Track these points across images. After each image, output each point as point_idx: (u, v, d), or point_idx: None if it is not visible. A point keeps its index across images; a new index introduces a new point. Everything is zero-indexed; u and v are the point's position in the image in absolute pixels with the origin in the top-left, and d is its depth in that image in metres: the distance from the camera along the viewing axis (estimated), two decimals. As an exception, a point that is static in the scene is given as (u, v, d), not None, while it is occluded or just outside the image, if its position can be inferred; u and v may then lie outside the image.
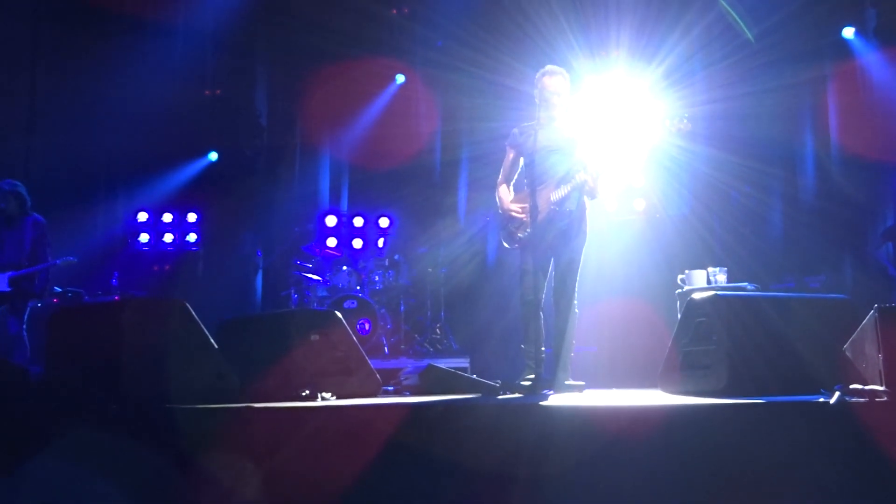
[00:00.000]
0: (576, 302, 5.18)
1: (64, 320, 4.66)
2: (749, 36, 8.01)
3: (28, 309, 7.07)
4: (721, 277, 6.67)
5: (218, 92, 10.75)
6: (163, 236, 10.50)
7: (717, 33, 8.22)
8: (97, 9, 9.31)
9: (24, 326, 7.00)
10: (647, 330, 6.84)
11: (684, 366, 4.37)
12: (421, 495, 3.41)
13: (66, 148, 9.46)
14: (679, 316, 5.07)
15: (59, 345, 4.47)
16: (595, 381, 5.68)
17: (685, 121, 5.21)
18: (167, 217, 10.54)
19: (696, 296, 4.51)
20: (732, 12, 7.85)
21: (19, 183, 7.20)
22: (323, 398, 4.46)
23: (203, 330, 4.39)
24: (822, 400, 3.35)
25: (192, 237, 10.53)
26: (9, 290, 6.91)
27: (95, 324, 4.48)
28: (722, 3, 7.86)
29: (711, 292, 4.48)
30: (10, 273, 6.92)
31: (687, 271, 6.80)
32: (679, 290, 6.76)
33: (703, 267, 6.83)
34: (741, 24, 7.91)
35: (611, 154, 5.40)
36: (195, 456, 3.59)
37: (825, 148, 8.69)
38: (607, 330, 7.31)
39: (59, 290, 8.42)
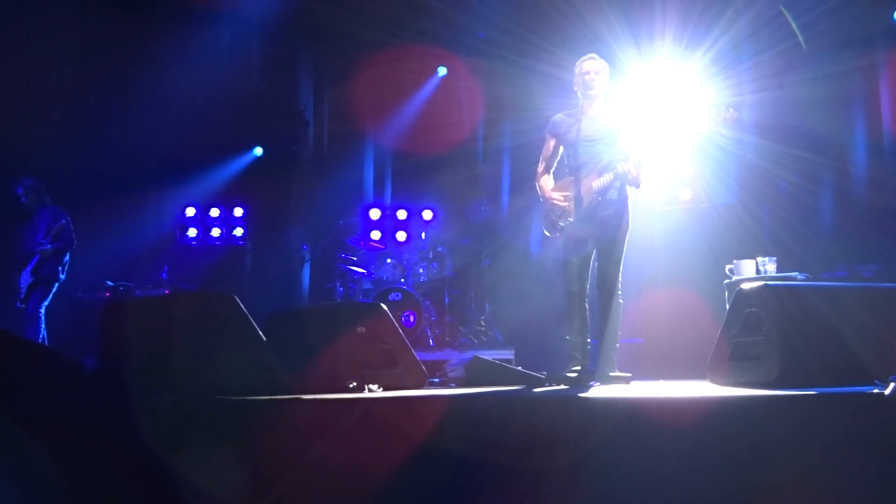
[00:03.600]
0: (619, 292, 5.14)
1: (117, 314, 4.76)
2: (802, 41, 7.83)
3: (51, 294, 7.33)
4: (770, 267, 6.58)
5: (263, 87, 10.85)
6: (210, 231, 10.66)
7: (764, 21, 8.05)
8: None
9: (42, 311, 7.29)
10: (694, 321, 6.77)
11: (734, 357, 4.32)
12: (467, 486, 3.42)
13: (115, 142, 9.63)
14: (727, 306, 5.00)
15: (112, 338, 4.56)
16: (641, 373, 5.63)
17: (731, 110, 5.13)
18: (214, 212, 10.68)
19: (745, 286, 4.45)
20: (793, 22, 7.67)
21: (36, 179, 7.58)
22: (370, 390, 4.49)
23: (252, 323, 4.45)
24: (876, 391, 3.28)
25: (238, 231, 10.66)
26: (32, 279, 7.24)
27: (147, 317, 4.57)
28: (784, 11, 7.68)
29: (761, 282, 4.42)
30: (30, 264, 7.22)
31: (735, 261, 6.71)
32: (727, 281, 6.67)
33: (751, 257, 6.74)
34: (797, 30, 7.74)
35: (656, 143, 5.34)
36: (245, 447, 3.64)
37: (877, 136, 8.48)
38: (653, 321, 7.25)
39: (112, 284, 8.61)
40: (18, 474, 3.58)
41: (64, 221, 7.38)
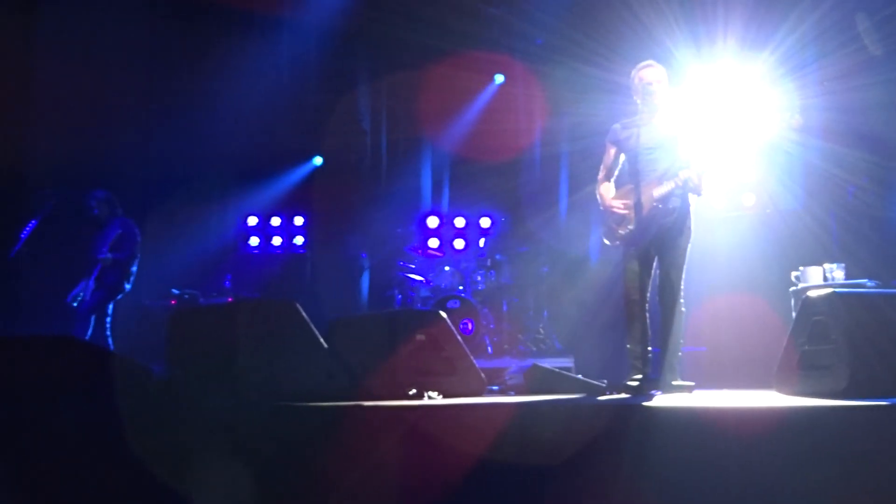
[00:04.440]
0: (682, 300, 5.07)
1: (182, 321, 4.86)
2: (873, 49, 7.59)
3: (111, 302, 7.50)
4: (838, 274, 6.40)
5: (322, 96, 10.99)
6: (271, 239, 10.86)
7: (831, 23, 7.85)
8: (210, 6, 9.67)
9: (93, 315, 7.40)
10: (759, 329, 6.63)
11: (801, 366, 4.22)
12: (526, 494, 3.40)
13: (179, 153, 9.85)
14: (794, 314, 4.89)
15: (179, 344, 4.67)
16: (705, 382, 5.53)
17: (797, 115, 5.01)
18: (275, 221, 10.89)
19: (813, 293, 4.35)
20: (863, 32, 7.46)
21: (109, 191, 7.75)
22: (429, 397, 4.51)
23: (313, 330, 4.50)
24: (952, 402, 3.17)
25: (299, 240, 10.85)
26: (94, 286, 7.39)
27: (212, 324, 4.66)
28: (858, 22, 7.47)
29: (828, 289, 4.31)
30: (94, 272, 7.39)
31: (802, 268, 6.56)
32: (794, 288, 6.52)
33: (818, 264, 6.57)
34: (868, 40, 7.51)
35: (718, 148, 5.25)
36: (306, 452, 3.69)
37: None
38: (717, 329, 7.12)
39: (177, 292, 8.81)
40: (85, 473, 3.69)
41: (121, 231, 7.54)
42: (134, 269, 7.59)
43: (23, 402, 3.91)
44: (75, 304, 7.37)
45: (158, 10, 9.74)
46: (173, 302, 8.71)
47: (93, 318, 7.42)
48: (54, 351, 4.15)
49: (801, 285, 6.44)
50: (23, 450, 3.76)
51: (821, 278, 6.42)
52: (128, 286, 7.57)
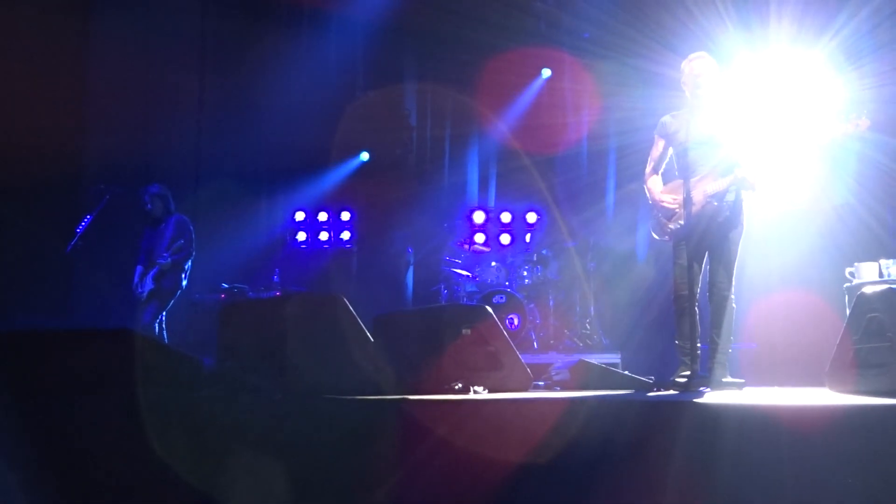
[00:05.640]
0: (732, 296, 4.99)
1: (232, 314, 4.94)
2: None
3: (169, 303, 7.58)
4: (895, 270, 6.25)
5: (369, 92, 11.06)
6: (318, 234, 10.97)
7: (888, 13, 7.65)
8: (260, 2, 9.76)
9: (159, 319, 7.51)
10: (811, 325, 6.52)
11: (855, 364, 4.13)
12: (572, 490, 3.39)
13: (229, 150, 10.00)
14: (847, 311, 4.79)
15: (229, 337, 4.75)
16: (755, 379, 5.45)
17: (864, 117, 4.83)
18: (322, 216, 11.01)
19: (868, 289, 4.25)
20: None
21: (164, 186, 7.78)
22: (475, 392, 4.51)
23: (360, 324, 4.54)
24: None
25: (345, 235, 10.94)
26: (153, 286, 7.46)
27: (261, 318, 4.73)
28: None
29: (884, 285, 4.22)
30: (153, 271, 7.47)
31: (856, 264, 6.42)
32: (848, 284, 6.39)
33: (873, 259, 6.43)
34: None
35: (770, 142, 5.16)
36: (352, 446, 3.72)
37: None
38: (768, 325, 7.01)
39: (227, 286, 8.94)
40: (143, 462, 3.77)
41: (177, 231, 7.61)
42: (189, 265, 7.71)
43: (80, 394, 4.01)
44: (141, 292, 7.48)
45: (209, 7, 9.88)
46: (223, 296, 8.85)
47: (156, 324, 7.55)
48: (112, 343, 4.25)
49: (855, 281, 6.32)
50: (79, 440, 3.86)
51: (876, 274, 6.27)
52: (185, 282, 7.69)
